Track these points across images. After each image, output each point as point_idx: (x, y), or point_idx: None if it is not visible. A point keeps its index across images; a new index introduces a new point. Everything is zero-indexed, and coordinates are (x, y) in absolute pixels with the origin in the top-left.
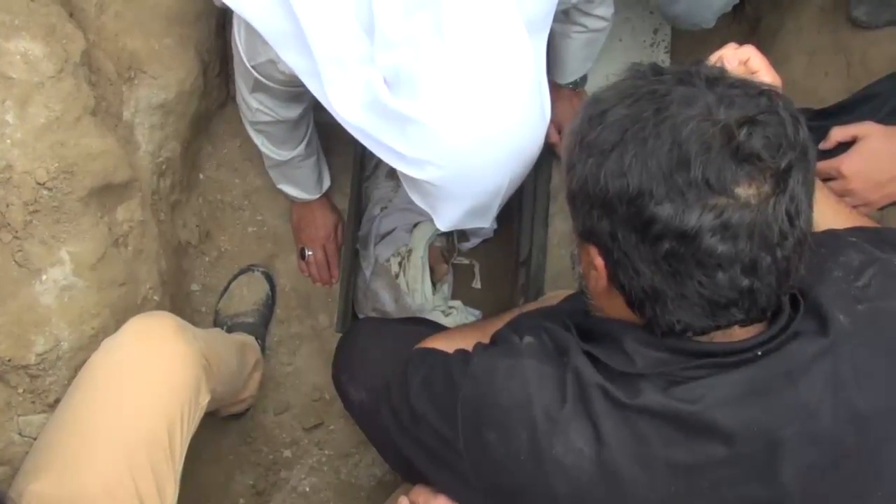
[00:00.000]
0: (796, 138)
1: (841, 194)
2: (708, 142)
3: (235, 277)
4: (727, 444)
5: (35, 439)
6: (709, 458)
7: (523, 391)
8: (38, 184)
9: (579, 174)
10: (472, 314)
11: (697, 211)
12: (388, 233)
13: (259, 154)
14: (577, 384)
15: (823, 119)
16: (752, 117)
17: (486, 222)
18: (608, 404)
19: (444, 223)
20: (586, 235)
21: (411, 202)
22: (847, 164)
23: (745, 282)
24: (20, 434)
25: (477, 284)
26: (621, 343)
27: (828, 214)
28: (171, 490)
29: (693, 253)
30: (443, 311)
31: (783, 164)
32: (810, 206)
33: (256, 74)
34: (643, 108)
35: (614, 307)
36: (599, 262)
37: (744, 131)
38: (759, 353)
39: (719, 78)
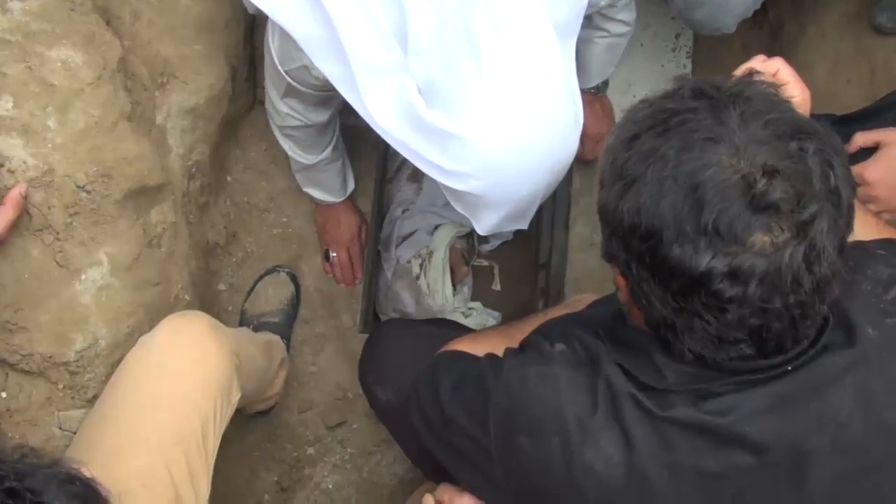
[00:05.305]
0: (824, 186)
1: (863, 201)
2: (725, 190)
3: (261, 278)
4: (756, 455)
5: (75, 433)
6: (736, 467)
7: (556, 399)
8: (78, 187)
9: (603, 197)
10: (491, 316)
11: (708, 256)
12: (410, 235)
13: (285, 157)
14: (609, 392)
15: (846, 125)
16: (775, 167)
17: (524, 225)
18: (639, 413)
19: (483, 228)
20: (608, 257)
21: (432, 204)
22: (870, 170)
23: (755, 322)
24: (60, 428)
25: (496, 286)
26: (651, 355)
27: (854, 225)
28: (205, 483)
29: (701, 295)
30: (462, 313)
31: (804, 217)
32: (836, 249)
33: (289, 80)
34: (670, 141)
35: (642, 319)
36: (621, 280)
37: (763, 182)
38: (789, 367)
39: (757, 113)
